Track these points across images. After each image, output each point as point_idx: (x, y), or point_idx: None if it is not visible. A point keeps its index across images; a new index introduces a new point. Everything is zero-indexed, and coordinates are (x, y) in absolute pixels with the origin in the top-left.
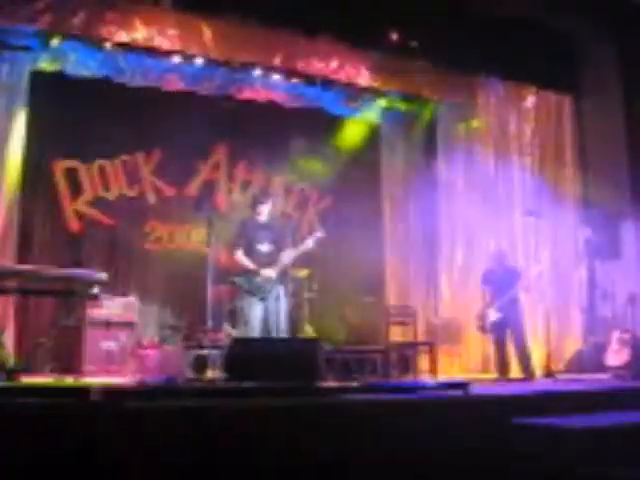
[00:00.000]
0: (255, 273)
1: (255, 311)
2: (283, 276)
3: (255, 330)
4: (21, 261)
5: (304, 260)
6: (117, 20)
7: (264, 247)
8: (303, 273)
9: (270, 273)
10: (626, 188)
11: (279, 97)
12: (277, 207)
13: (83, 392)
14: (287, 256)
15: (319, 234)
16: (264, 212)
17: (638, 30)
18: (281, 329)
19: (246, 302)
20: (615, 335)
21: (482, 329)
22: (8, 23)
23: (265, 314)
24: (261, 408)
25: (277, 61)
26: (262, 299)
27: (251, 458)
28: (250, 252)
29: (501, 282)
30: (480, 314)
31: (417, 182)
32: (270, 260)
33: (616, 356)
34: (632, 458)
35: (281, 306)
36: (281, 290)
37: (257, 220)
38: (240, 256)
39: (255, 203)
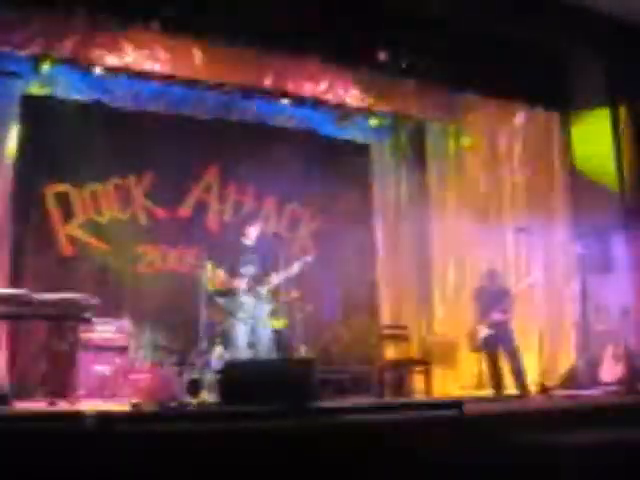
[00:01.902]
0: (237, 295)
1: (239, 332)
2: (269, 298)
3: (241, 351)
4: (13, 286)
5: (297, 281)
6: (107, 44)
7: (248, 270)
8: (296, 294)
9: (250, 295)
10: (616, 202)
11: (269, 118)
12: (269, 228)
13: (76, 417)
14: (275, 278)
15: (308, 258)
16: (251, 235)
17: (626, 47)
18: (267, 351)
19: (230, 323)
20: (609, 350)
21: (474, 348)
22: None
23: (251, 336)
24: (256, 431)
25: (267, 82)
26: (244, 320)
27: None
28: (235, 273)
29: (492, 299)
30: (471, 332)
31: (408, 200)
32: (254, 282)
33: (611, 371)
34: (630, 475)
35: (264, 325)
36: (266, 312)
37: (243, 242)
38: (225, 278)
39: (243, 225)
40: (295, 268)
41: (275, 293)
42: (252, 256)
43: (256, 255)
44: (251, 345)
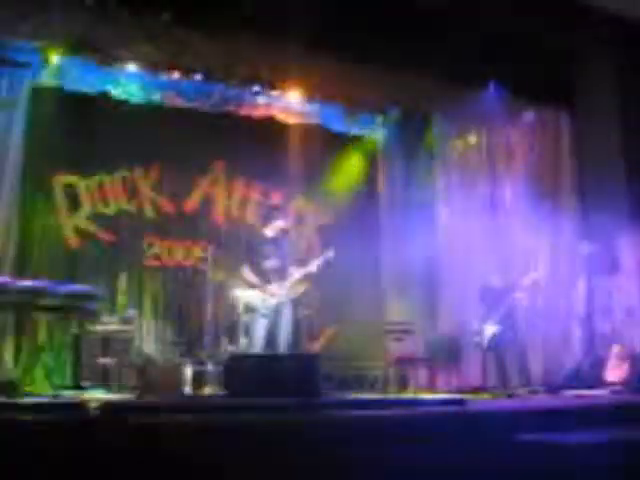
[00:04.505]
0: (259, 289)
1: (259, 326)
2: (287, 292)
3: (258, 345)
4: (19, 276)
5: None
6: (117, 36)
7: (270, 263)
8: (302, 289)
9: (274, 289)
10: (624, 202)
11: (278, 113)
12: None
13: (81, 407)
14: (295, 273)
15: (330, 254)
16: (276, 228)
17: (635, 46)
18: (284, 345)
19: (250, 317)
20: (614, 350)
21: (480, 346)
22: (8, 39)
23: (269, 330)
24: (260, 424)
25: (274, 77)
26: (265, 315)
27: (250, 475)
28: (257, 268)
29: (498, 297)
30: (477, 330)
31: (415, 197)
32: (276, 276)
33: (615, 371)
34: (633, 474)
35: (284, 322)
36: (285, 306)
37: (265, 235)
38: (246, 272)
39: (268, 218)
40: (318, 263)
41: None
42: (272, 249)
43: (276, 248)
44: (270, 339)
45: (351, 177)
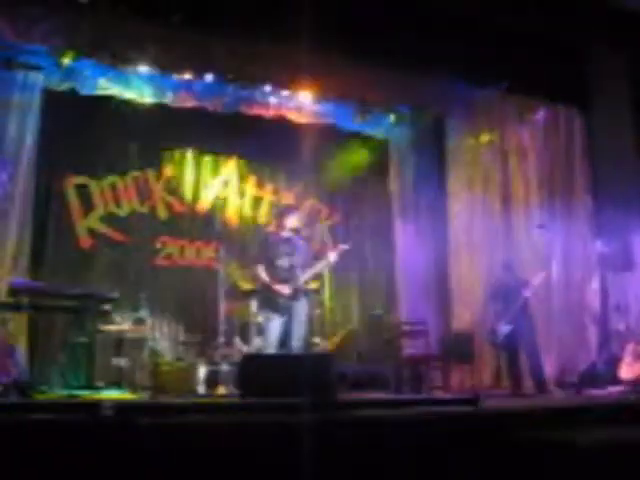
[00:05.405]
0: (273, 288)
1: (273, 325)
2: (301, 291)
3: (272, 345)
4: (33, 278)
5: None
6: (128, 37)
7: (285, 262)
8: (314, 287)
9: (288, 288)
10: (637, 198)
11: (288, 113)
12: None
13: (95, 408)
14: (310, 270)
15: (345, 247)
16: (290, 226)
17: None
18: (298, 344)
19: (264, 317)
20: (629, 348)
21: (494, 344)
22: (20, 42)
23: (282, 329)
24: (273, 424)
25: (286, 77)
26: (280, 314)
27: (264, 475)
28: (271, 267)
29: (510, 295)
30: (491, 329)
31: (427, 196)
32: (290, 275)
33: (630, 369)
34: None
35: (298, 321)
36: (299, 305)
37: (280, 234)
38: (260, 271)
39: (281, 216)
40: (331, 258)
41: (305, 285)
42: (287, 248)
43: (290, 247)
44: (283, 338)
45: (363, 177)
